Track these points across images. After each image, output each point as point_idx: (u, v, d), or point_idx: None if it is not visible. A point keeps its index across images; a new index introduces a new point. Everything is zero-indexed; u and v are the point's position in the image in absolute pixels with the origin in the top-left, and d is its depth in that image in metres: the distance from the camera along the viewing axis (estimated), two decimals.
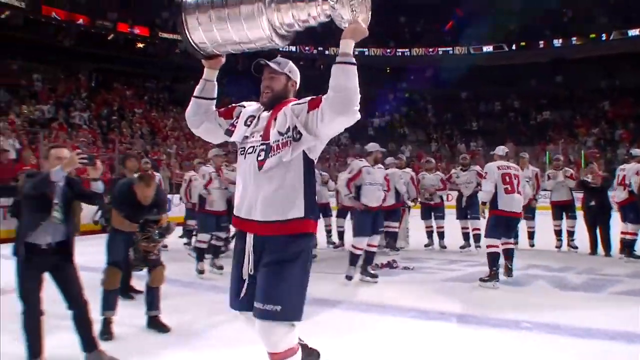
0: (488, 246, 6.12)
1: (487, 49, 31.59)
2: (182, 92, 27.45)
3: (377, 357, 3.66)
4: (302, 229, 2.34)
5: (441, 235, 8.94)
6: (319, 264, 6.81)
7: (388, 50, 32.44)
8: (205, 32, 2.38)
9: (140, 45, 28.58)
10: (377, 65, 31.65)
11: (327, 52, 31.38)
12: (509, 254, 6.21)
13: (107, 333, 3.91)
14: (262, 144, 2.37)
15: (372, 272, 6.22)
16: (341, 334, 4.14)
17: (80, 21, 25.15)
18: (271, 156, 2.32)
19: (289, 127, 2.32)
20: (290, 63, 2.51)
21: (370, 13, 2.31)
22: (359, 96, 2.19)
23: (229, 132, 2.54)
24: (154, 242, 4.12)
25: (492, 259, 5.98)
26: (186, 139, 20.59)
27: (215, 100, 2.61)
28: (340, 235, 9.10)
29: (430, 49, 31.94)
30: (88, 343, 3.39)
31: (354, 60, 2.20)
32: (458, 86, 30.37)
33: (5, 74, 20.68)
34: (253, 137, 2.42)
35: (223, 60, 2.59)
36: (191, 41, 2.43)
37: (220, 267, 6.56)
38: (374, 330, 4.31)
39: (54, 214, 3.32)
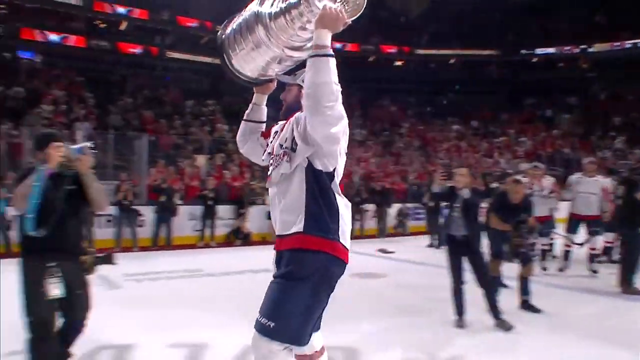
0: None
1: None
2: (439, 105, 29.13)
3: None
4: (304, 245, 2.18)
5: None
6: None
7: None
8: (241, 63, 2.43)
9: (398, 63, 31.17)
10: None
11: (589, 50, 29.49)
12: None
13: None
14: (271, 158, 2.38)
15: None
16: None
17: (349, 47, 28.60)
18: (273, 170, 2.32)
19: (287, 138, 2.28)
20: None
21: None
22: (334, 90, 2.02)
23: (264, 153, 2.55)
24: (523, 239, 5.41)
25: None
26: (452, 150, 21.96)
27: (263, 124, 2.68)
28: None
29: None
30: (494, 312, 4.90)
31: (326, 51, 2.03)
32: None
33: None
34: (270, 153, 2.44)
35: (273, 86, 2.63)
36: (234, 72, 2.47)
37: (544, 269, 7.66)
38: None
39: (454, 214, 4.86)
